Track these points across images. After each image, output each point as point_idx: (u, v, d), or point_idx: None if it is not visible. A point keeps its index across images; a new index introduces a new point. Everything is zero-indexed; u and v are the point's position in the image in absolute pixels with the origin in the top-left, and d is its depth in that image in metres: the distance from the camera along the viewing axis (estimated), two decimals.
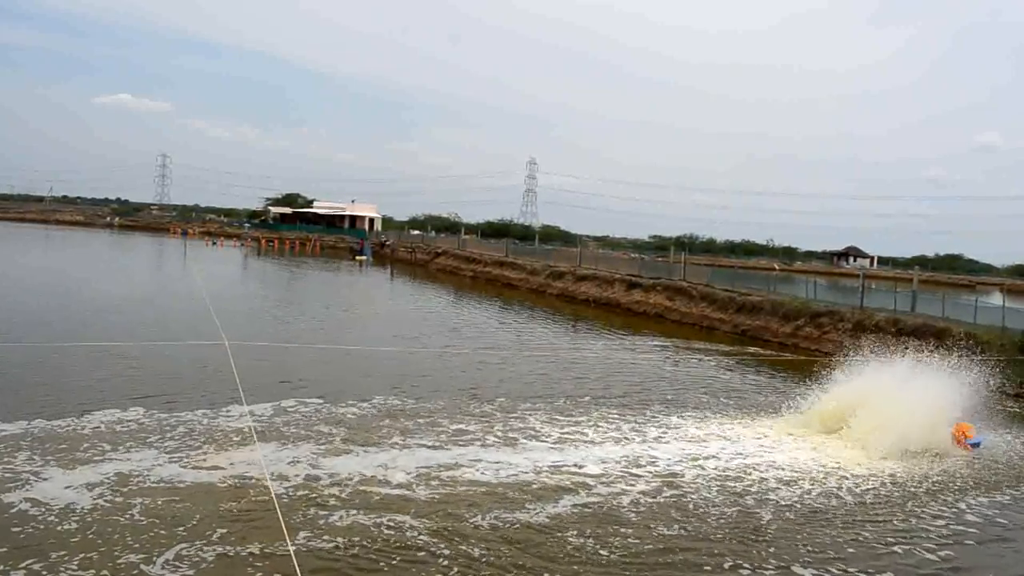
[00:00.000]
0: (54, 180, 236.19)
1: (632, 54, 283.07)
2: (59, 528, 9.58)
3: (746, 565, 9.97)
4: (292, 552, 8.42)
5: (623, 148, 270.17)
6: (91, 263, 56.58)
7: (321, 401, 16.43)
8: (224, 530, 9.78)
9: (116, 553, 9.04)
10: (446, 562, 9.39)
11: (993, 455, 15.69)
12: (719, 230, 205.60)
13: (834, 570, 10.00)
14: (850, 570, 10.04)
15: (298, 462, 12.50)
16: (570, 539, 10.28)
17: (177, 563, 8.89)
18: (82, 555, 8.91)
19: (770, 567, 9.95)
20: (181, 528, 9.80)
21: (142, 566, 8.76)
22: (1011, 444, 16.74)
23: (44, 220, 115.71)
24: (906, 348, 17.78)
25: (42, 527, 9.58)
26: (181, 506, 10.44)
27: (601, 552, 9.96)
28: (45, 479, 11.03)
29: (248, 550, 9.31)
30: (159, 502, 10.53)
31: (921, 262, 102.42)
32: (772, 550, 10.45)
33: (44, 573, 8.49)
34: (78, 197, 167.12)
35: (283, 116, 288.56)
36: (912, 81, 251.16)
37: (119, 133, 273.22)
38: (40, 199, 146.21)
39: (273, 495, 10.40)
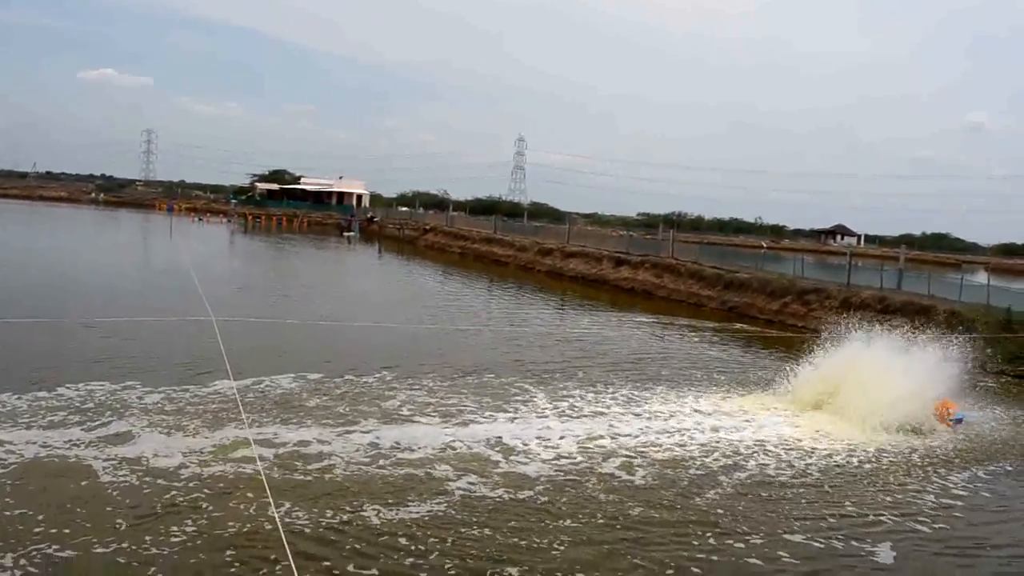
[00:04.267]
0: (38, 156, 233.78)
1: (627, 26, 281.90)
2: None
3: (737, 531, 10.13)
4: (279, 525, 8.43)
5: (612, 125, 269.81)
6: (76, 240, 56.26)
7: (309, 376, 16.42)
8: (210, 504, 9.80)
9: (104, 523, 9.08)
10: (435, 539, 9.44)
11: (975, 431, 15.84)
12: (708, 208, 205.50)
13: (820, 539, 10.14)
14: (838, 539, 10.20)
15: (285, 436, 12.52)
16: (547, 510, 10.40)
17: (160, 536, 8.92)
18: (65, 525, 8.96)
19: (758, 536, 10.09)
20: (167, 498, 9.87)
21: (127, 541, 8.78)
22: (993, 420, 16.90)
23: (28, 196, 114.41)
24: (891, 325, 17.90)
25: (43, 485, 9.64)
26: (165, 478, 10.48)
27: (577, 525, 10.05)
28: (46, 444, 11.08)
29: (234, 523, 9.34)
30: (147, 474, 10.56)
31: (908, 241, 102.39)
32: (759, 519, 10.60)
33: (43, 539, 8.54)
34: (62, 173, 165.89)
35: (268, 92, 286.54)
36: (902, 60, 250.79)
37: (104, 109, 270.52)
38: (24, 175, 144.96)
39: (260, 468, 10.44)
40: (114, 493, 9.96)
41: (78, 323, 21.02)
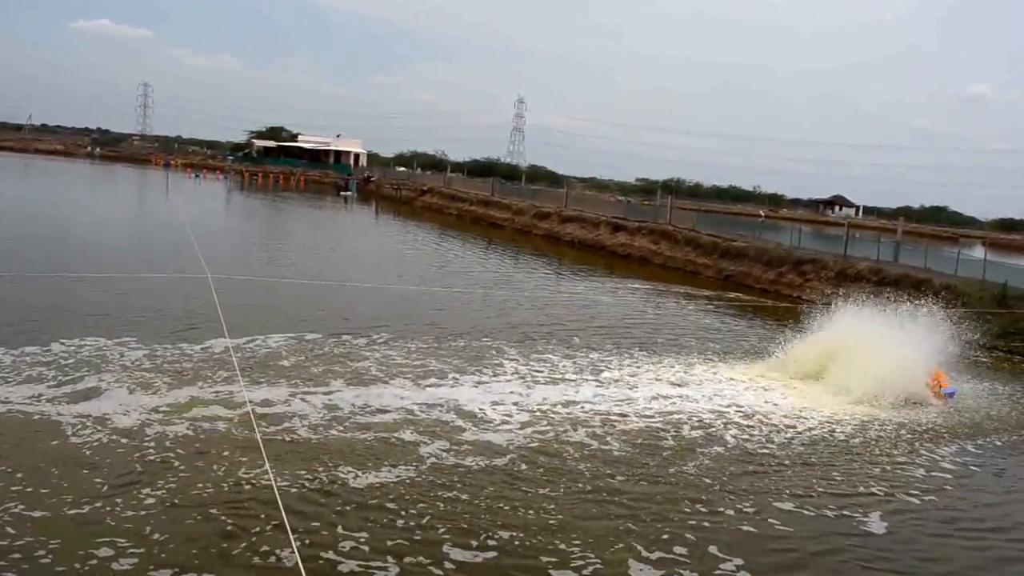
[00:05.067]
0: (33, 108, 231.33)
1: None
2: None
3: (727, 500, 10.20)
4: (274, 483, 8.46)
5: (612, 85, 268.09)
6: (73, 194, 56.00)
7: (303, 335, 16.46)
8: (203, 463, 9.85)
9: (97, 481, 9.13)
10: (433, 493, 9.50)
11: (967, 405, 15.92)
12: (706, 175, 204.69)
13: (810, 507, 10.23)
14: (829, 507, 10.31)
15: (280, 395, 12.58)
16: (527, 478, 10.44)
17: (160, 492, 8.97)
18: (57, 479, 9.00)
19: (748, 503, 10.18)
20: (170, 455, 9.93)
21: (117, 498, 8.82)
22: (985, 395, 16.98)
23: (23, 149, 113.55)
24: (887, 298, 17.91)
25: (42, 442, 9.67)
26: (161, 435, 10.53)
27: (559, 494, 10.11)
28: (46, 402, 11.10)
29: (229, 480, 9.41)
30: (144, 431, 10.61)
31: (906, 213, 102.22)
32: (748, 488, 10.67)
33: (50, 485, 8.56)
34: (58, 126, 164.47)
35: (265, 46, 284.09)
36: (905, 24, 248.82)
37: (99, 61, 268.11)
38: (19, 127, 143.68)
39: (255, 427, 10.46)
40: (86, 452, 9.93)
41: (73, 278, 20.94)
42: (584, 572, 8.14)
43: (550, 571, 8.12)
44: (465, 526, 8.86)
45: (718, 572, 8.42)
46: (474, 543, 8.51)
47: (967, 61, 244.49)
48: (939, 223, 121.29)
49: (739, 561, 8.62)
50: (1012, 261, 34.07)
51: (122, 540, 7.85)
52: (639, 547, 8.72)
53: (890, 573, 8.77)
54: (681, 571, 8.33)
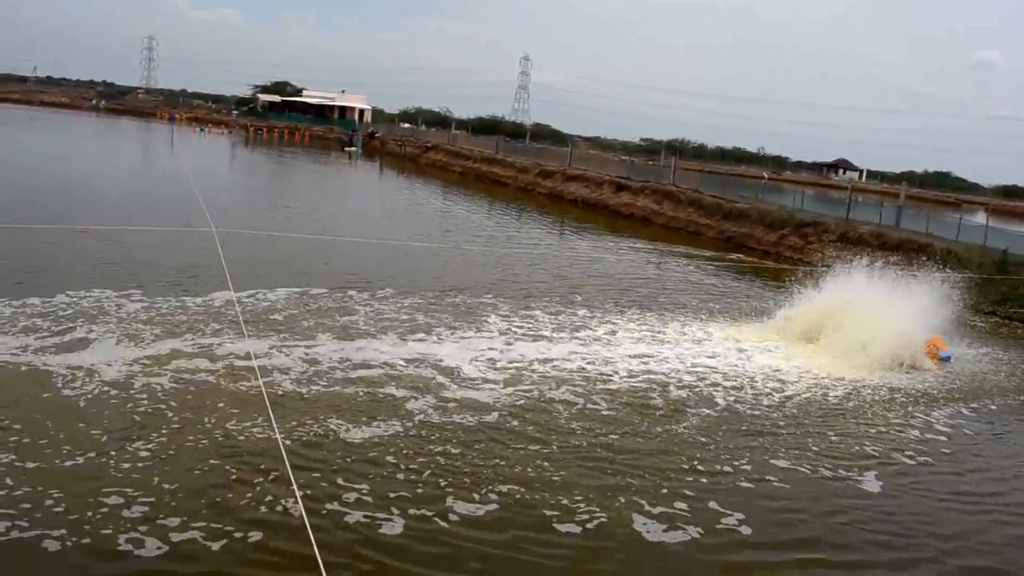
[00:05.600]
0: (38, 60, 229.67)
1: None
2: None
3: (722, 458, 10.42)
4: (280, 442, 8.58)
5: (620, 48, 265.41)
6: (80, 147, 55.84)
7: (308, 290, 16.63)
8: (208, 418, 9.99)
9: (95, 436, 9.25)
10: (424, 459, 9.70)
11: (963, 369, 16.10)
12: (711, 136, 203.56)
13: (806, 466, 10.47)
14: (825, 465, 10.56)
15: (284, 349, 12.76)
16: (522, 433, 10.63)
17: (160, 441, 9.17)
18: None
19: (745, 460, 10.41)
20: (172, 410, 10.07)
21: (125, 450, 9.00)
22: (982, 360, 17.16)
23: (28, 101, 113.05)
24: (887, 262, 18.01)
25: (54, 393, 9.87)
26: (156, 386, 10.72)
27: (554, 451, 10.31)
28: (42, 353, 11.28)
29: (235, 437, 9.55)
30: (139, 382, 10.79)
31: (910, 178, 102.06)
32: (744, 445, 10.90)
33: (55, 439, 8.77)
34: (63, 78, 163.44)
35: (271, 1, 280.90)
36: None
37: (103, 11, 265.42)
38: (24, 79, 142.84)
39: (260, 382, 10.63)
40: (81, 404, 10.02)
41: (80, 231, 21.06)
42: (588, 526, 8.34)
43: (554, 524, 8.30)
44: (467, 481, 9.04)
45: (720, 526, 8.65)
46: (476, 496, 8.69)
47: (976, 27, 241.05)
48: (942, 188, 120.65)
49: (740, 516, 8.85)
50: (1014, 228, 34.11)
51: (129, 489, 8.00)
52: (642, 502, 8.93)
53: (889, 535, 8.96)
54: (684, 525, 8.54)
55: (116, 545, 7.15)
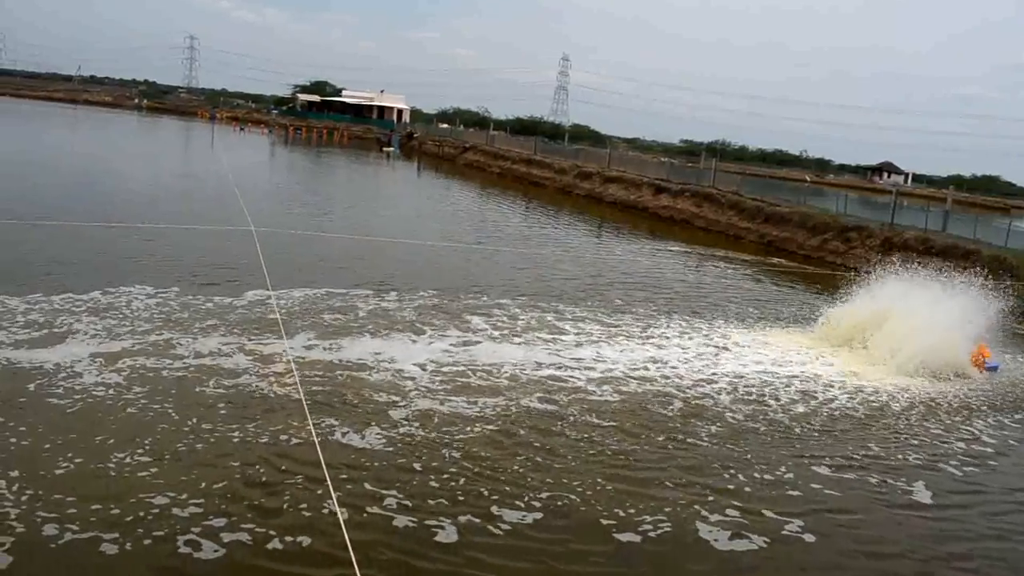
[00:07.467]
0: (82, 60, 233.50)
1: None
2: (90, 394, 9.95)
3: (763, 463, 10.29)
4: (316, 442, 8.56)
5: (659, 49, 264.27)
6: (124, 146, 56.68)
7: (348, 290, 16.65)
8: (245, 416, 10.02)
9: (115, 433, 9.34)
10: (461, 452, 9.64)
11: (1011, 379, 15.75)
12: (752, 139, 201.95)
13: (851, 475, 10.30)
14: (872, 473, 10.40)
15: (322, 347, 12.79)
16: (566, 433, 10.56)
17: (205, 442, 9.21)
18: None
19: (785, 467, 10.26)
20: (204, 408, 10.12)
21: (163, 442, 9.06)
22: None
23: (73, 100, 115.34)
24: (933, 268, 17.66)
25: (86, 385, 9.95)
26: (206, 386, 10.78)
27: (592, 452, 10.21)
28: (70, 343, 11.40)
29: (268, 434, 9.55)
30: (188, 378, 10.87)
31: (957, 182, 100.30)
32: (786, 452, 10.75)
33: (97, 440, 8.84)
34: (106, 77, 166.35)
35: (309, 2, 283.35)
36: None
37: (146, 12, 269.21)
38: (69, 78, 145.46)
39: (297, 380, 10.64)
40: (134, 397, 10.19)
41: (121, 227, 21.32)
42: (650, 535, 8.22)
43: (614, 534, 8.17)
44: (508, 488, 8.88)
45: (784, 532, 8.55)
46: (520, 504, 8.55)
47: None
48: (991, 193, 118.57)
49: (800, 523, 8.75)
50: None
51: (172, 492, 7.94)
52: (698, 508, 8.84)
53: (943, 542, 8.85)
54: (748, 534, 8.42)
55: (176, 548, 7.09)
